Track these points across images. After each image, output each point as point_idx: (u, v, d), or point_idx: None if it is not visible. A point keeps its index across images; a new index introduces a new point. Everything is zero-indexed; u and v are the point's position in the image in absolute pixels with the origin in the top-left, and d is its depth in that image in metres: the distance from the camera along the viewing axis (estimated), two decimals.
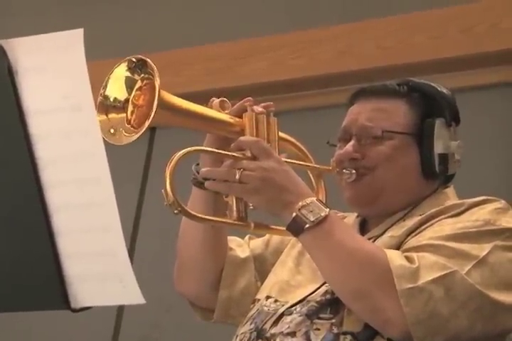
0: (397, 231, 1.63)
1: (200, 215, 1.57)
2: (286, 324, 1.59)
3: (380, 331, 1.52)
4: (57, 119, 1.20)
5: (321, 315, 1.58)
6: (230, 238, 1.82)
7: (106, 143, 1.22)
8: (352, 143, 1.70)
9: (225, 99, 1.65)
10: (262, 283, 1.78)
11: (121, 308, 3.03)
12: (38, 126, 1.20)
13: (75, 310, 1.22)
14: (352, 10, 2.97)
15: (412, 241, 1.58)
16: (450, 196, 1.72)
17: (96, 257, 1.20)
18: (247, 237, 1.86)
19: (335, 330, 1.55)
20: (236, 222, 1.59)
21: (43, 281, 1.21)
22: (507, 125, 2.76)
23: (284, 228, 1.57)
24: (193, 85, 2.97)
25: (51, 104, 1.20)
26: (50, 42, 1.18)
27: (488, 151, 2.73)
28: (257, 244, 1.84)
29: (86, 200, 1.19)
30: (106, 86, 1.53)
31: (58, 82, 1.19)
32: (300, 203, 1.53)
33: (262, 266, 1.81)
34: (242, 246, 1.82)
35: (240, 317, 1.74)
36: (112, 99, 1.53)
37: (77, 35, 1.15)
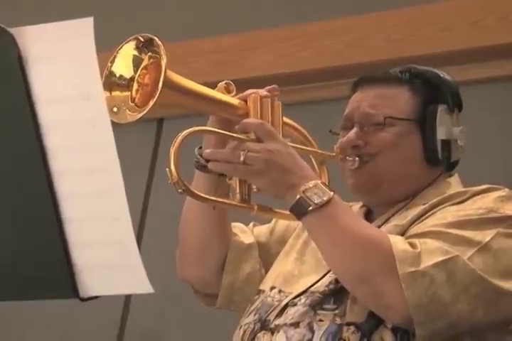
0: (401, 220, 1.63)
1: (203, 195, 1.56)
2: (290, 315, 1.59)
3: (381, 316, 1.52)
4: (67, 108, 1.20)
5: (325, 306, 1.58)
6: (234, 224, 1.81)
7: (114, 134, 1.22)
8: (354, 130, 1.70)
9: (230, 82, 1.64)
10: (265, 271, 1.78)
11: (127, 300, 3.04)
12: (47, 114, 1.20)
13: (83, 299, 1.22)
14: (360, 2, 2.96)
15: (415, 229, 1.58)
16: (454, 184, 1.71)
17: (104, 246, 1.19)
18: (251, 224, 1.86)
19: (338, 321, 1.55)
20: (239, 204, 1.59)
21: (51, 270, 1.21)
22: None
23: (288, 211, 1.56)
24: (200, 77, 2.93)
25: (61, 93, 1.19)
26: (60, 30, 1.18)
27: (496, 143, 2.73)
28: (262, 231, 1.84)
29: (95, 189, 1.19)
30: (113, 61, 1.52)
31: (68, 70, 1.18)
32: (304, 185, 1.52)
33: (266, 253, 1.81)
34: (246, 233, 1.82)
35: (243, 303, 1.74)
36: (117, 76, 1.52)
37: (87, 23, 1.15)
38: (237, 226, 1.82)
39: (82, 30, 1.15)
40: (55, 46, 1.18)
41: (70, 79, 1.18)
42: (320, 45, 2.95)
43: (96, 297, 1.22)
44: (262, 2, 3.15)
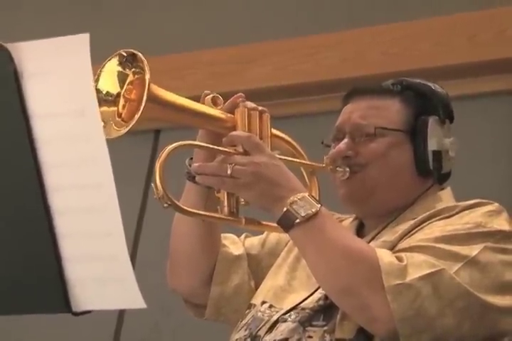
0: (390, 235, 1.63)
1: (190, 209, 1.56)
2: (280, 331, 1.59)
3: (367, 329, 1.51)
4: (62, 124, 1.20)
5: (314, 323, 1.58)
6: (225, 235, 1.81)
7: (110, 145, 1.22)
8: (345, 141, 1.70)
9: (217, 95, 1.64)
10: (255, 283, 1.78)
11: (122, 312, 3.03)
12: (42, 130, 1.20)
13: (76, 314, 1.22)
14: (358, 16, 2.97)
15: (403, 244, 1.58)
16: (445, 198, 1.71)
17: (98, 261, 1.20)
18: (243, 235, 1.85)
19: (327, 338, 1.55)
20: (227, 217, 1.58)
21: (44, 284, 1.22)
22: (511, 132, 2.76)
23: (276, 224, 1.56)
24: (197, 89, 2.94)
25: (56, 109, 1.20)
26: (56, 46, 1.18)
27: (493, 157, 2.74)
28: (253, 243, 1.84)
29: (89, 204, 1.19)
30: (98, 79, 1.51)
31: (63, 86, 1.19)
32: (291, 198, 1.52)
33: (256, 265, 1.81)
34: (236, 244, 1.82)
35: (232, 315, 1.75)
36: (104, 93, 1.52)
37: (83, 39, 1.15)
38: (228, 237, 1.82)
39: (78, 45, 1.16)
40: (50, 62, 1.19)
41: (65, 94, 1.19)
42: (318, 59, 2.96)
43: (88, 311, 1.22)
44: (260, 15, 3.16)
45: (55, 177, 1.20)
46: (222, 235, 1.81)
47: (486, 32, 2.72)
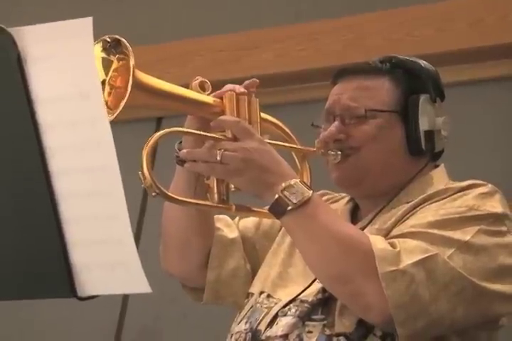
0: (384, 222, 1.61)
1: (179, 198, 1.54)
2: (281, 326, 1.58)
3: (362, 316, 1.51)
4: (66, 108, 1.20)
5: (313, 317, 1.57)
6: (218, 217, 1.79)
7: (112, 132, 1.22)
8: (336, 123, 1.67)
9: (205, 80, 1.62)
10: (251, 266, 1.77)
11: (125, 299, 3.04)
12: (46, 114, 1.20)
13: (81, 299, 1.22)
14: (359, 1, 2.96)
15: (396, 230, 1.57)
16: (437, 177, 1.69)
17: (103, 245, 1.20)
18: (237, 217, 1.83)
19: (327, 332, 1.54)
20: (217, 205, 1.56)
21: (50, 269, 1.22)
22: None
23: (267, 210, 1.55)
24: (200, 76, 2.96)
25: (60, 93, 1.20)
26: (59, 30, 1.18)
27: (495, 143, 2.73)
28: (247, 225, 1.81)
29: (94, 188, 1.19)
30: None
31: (67, 70, 1.19)
32: (283, 184, 1.50)
33: (251, 248, 1.79)
34: (230, 227, 1.80)
35: (230, 298, 1.74)
36: None
37: (86, 23, 1.15)
38: (221, 219, 1.80)
39: (81, 29, 1.16)
40: (54, 46, 1.19)
41: (68, 78, 1.19)
42: (320, 45, 2.95)
43: (94, 296, 1.22)
44: (261, 1, 3.15)
45: (60, 161, 1.20)
46: (215, 217, 1.79)
47: (488, 17, 2.71)
